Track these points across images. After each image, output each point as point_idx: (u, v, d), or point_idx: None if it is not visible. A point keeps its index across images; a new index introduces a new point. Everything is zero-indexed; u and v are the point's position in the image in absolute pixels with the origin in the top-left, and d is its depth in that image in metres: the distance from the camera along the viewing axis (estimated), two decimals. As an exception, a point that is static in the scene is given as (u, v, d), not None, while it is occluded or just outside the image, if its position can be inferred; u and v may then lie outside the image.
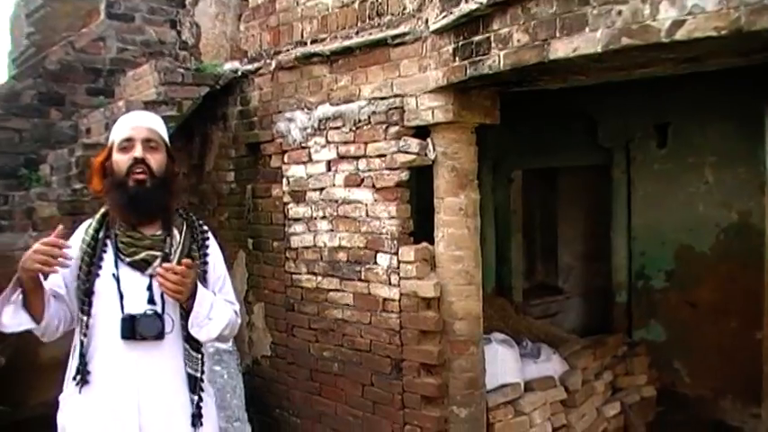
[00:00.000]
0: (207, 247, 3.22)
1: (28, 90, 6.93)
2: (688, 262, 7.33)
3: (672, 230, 7.44)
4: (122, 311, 2.93)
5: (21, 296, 2.85)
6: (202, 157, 7.32)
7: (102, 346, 2.96)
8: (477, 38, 4.40)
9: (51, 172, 6.50)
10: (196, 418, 3.08)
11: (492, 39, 4.29)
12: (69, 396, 3.02)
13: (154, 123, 3.15)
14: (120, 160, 3.00)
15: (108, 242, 3.02)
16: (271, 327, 6.52)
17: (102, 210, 3.10)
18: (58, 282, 2.96)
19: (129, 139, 3.01)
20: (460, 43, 4.55)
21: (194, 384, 3.09)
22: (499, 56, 4.24)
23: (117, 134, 3.07)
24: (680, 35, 3.43)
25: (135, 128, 3.06)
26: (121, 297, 2.94)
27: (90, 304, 2.95)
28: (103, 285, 2.96)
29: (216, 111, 7.00)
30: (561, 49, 3.89)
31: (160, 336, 2.96)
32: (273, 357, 6.52)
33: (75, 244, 3.01)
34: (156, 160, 3.03)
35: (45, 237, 2.84)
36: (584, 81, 4.92)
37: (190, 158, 7.44)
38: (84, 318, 2.95)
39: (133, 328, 2.91)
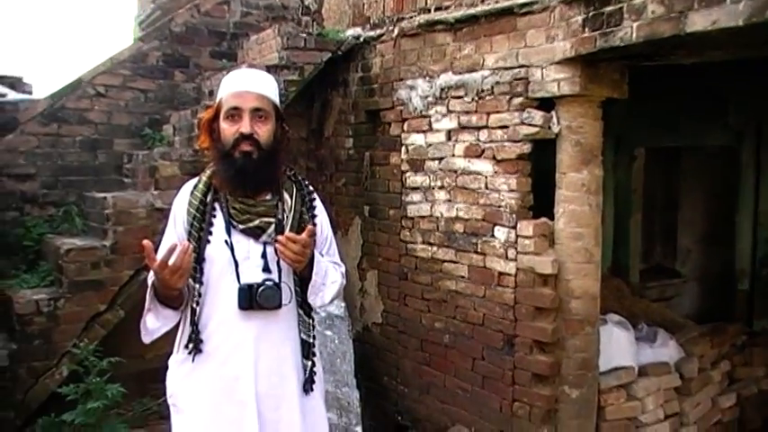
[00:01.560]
0: (314, 208, 3.18)
1: (154, 52, 7.09)
2: (817, 251, 7.03)
3: (801, 218, 7.14)
4: (239, 280, 2.91)
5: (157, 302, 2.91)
6: (321, 123, 7.35)
7: (217, 315, 2.94)
8: (608, 8, 4.27)
9: (174, 132, 6.63)
10: (308, 384, 3.08)
11: (624, 9, 4.16)
12: (180, 363, 3.02)
13: (264, 88, 3.02)
14: (227, 131, 2.93)
15: (217, 206, 2.99)
16: (383, 295, 6.52)
17: (208, 171, 3.07)
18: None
19: (237, 108, 2.93)
20: (591, 13, 4.42)
21: (307, 350, 3.09)
22: (632, 27, 4.10)
23: (226, 96, 2.98)
24: (832, 9, 3.23)
25: (244, 95, 2.95)
26: (236, 265, 2.92)
27: (201, 272, 2.93)
28: (216, 252, 2.93)
29: (337, 77, 7.01)
30: (699, 21, 3.72)
31: (279, 306, 2.94)
32: (384, 325, 6.53)
33: (181, 206, 3.03)
34: (265, 132, 2.95)
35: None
36: (720, 57, 4.72)
37: (309, 123, 7.49)
38: (197, 285, 2.92)
39: (251, 298, 2.89)
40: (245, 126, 2.91)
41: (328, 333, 6.17)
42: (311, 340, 3.11)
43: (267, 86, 3.04)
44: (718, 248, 8.52)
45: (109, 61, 6.86)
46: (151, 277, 2.87)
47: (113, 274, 5.76)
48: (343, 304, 6.51)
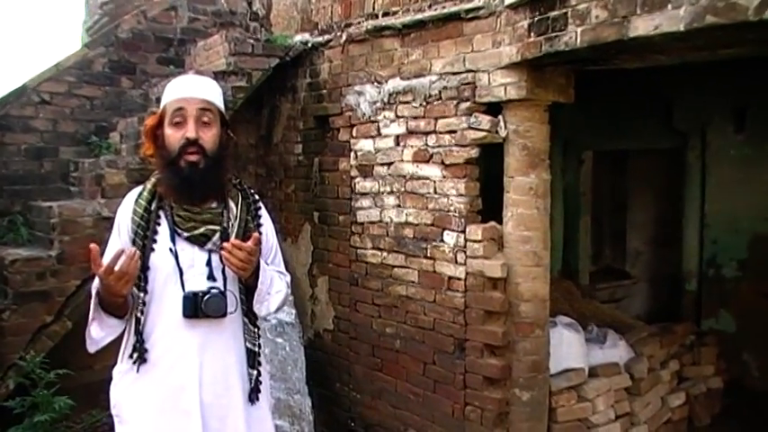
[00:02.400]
0: (260, 216, 3.16)
1: (100, 58, 6.99)
2: (762, 251, 7.15)
3: (747, 219, 7.25)
4: (183, 289, 2.87)
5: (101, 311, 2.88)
6: (270, 129, 7.32)
7: (161, 324, 2.90)
8: (553, 13, 4.30)
9: (121, 140, 6.55)
10: (253, 393, 3.06)
11: (569, 14, 4.18)
12: (125, 373, 2.97)
13: (208, 93, 2.98)
14: (172, 137, 2.88)
15: (161, 214, 2.95)
16: (334, 301, 6.50)
17: (153, 179, 3.02)
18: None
19: (181, 109, 2.88)
20: (536, 18, 4.45)
21: (253, 359, 3.06)
22: (576, 32, 4.13)
23: (169, 102, 2.93)
24: (769, 14, 3.28)
25: (188, 99, 2.91)
26: (181, 273, 2.89)
27: (146, 280, 2.87)
28: (160, 260, 2.89)
29: (285, 82, 6.99)
30: (642, 26, 3.76)
31: (224, 314, 2.90)
32: (336, 331, 6.51)
33: (125, 214, 2.97)
34: (210, 137, 2.91)
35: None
36: (663, 61, 4.79)
37: (258, 130, 7.47)
38: (141, 294, 2.87)
39: (196, 307, 2.85)
40: (190, 131, 2.87)
41: (279, 340, 6.14)
42: (257, 349, 3.08)
43: (211, 92, 3.01)
44: (667, 250, 8.65)
45: (54, 68, 6.75)
46: (95, 286, 2.83)
47: (60, 284, 5.66)
48: (293, 311, 6.49)
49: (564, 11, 4.20)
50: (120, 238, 2.95)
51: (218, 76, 6.18)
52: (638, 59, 4.74)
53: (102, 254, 2.74)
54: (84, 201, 6.01)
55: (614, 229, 9.92)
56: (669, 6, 3.61)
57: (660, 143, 8.10)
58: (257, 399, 3.06)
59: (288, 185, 7.08)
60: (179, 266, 2.89)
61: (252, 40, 6.44)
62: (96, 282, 2.77)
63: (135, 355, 2.90)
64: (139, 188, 3.04)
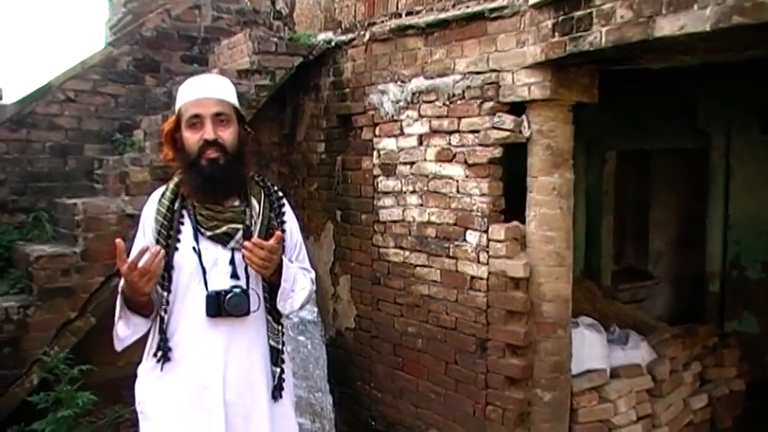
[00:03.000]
0: (283, 214, 3.17)
1: (124, 56, 7.03)
2: (786, 253, 7.11)
3: (770, 220, 7.21)
4: (206, 288, 2.88)
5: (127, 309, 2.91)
6: (294, 127, 7.34)
7: (185, 323, 2.92)
8: (578, 13, 4.28)
9: (145, 137, 6.57)
10: (277, 391, 3.06)
11: (594, 14, 4.17)
12: (149, 371, 2.99)
13: (222, 92, 3.01)
14: (191, 139, 2.91)
15: (185, 213, 2.97)
16: (356, 299, 6.51)
17: (175, 179, 3.05)
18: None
19: (198, 116, 2.91)
20: (560, 18, 4.44)
21: (276, 356, 3.07)
22: (601, 32, 4.12)
23: (185, 105, 2.95)
24: (797, 14, 3.26)
25: (203, 102, 2.93)
26: (204, 272, 2.90)
27: (170, 279, 2.90)
28: (184, 259, 2.91)
29: (308, 81, 7.01)
30: (667, 26, 3.74)
31: (247, 313, 2.91)
32: (357, 330, 6.52)
33: (150, 214, 3.01)
34: (228, 136, 2.94)
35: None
36: (689, 61, 4.75)
37: (281, 128, 7.48)
38: (165, 293, 2.90)
39: (219, 306, 2.86)
40: (208, 132, 2.89)
41: (301, 338, 6.16)
42: (280, 346, 3.09)
43: (225, 91, 3.04)
44: (690, 251, 8.61)
45: (79, 66, 6.79)
46: (122, 284, 2.84)
47: (84, 280, 5.70)
48: (315, 309, 6.50)
49: (588, 11, 4.19)
50: (145, 238, 2.98)
51: (242, 74, 6.22)
52: (662, 59, 4.72)
53: (128, 253, 2.77)
54: (108, 198, 6.05)
55: (637, 229, 9.88)
56: (695, 6, 3.59)
57: (684, 143, 8.06)
58: (281, 396, 3.07)
59: (311, 184, 7.10)
60: (202, 265, 2.90)
61: (275, 39, 6.47)
62: (122, 280, 2.79)
63: (159, 354, 2.92)
64: (162, 188, 3.07)
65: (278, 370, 3.06)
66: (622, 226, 9.78)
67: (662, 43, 3.92)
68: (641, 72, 5.38)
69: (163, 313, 2.91)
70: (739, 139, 7.45)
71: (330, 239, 6.80)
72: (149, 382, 2.99)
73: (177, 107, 2.99)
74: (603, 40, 4.10)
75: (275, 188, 3.23)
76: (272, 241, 2.83)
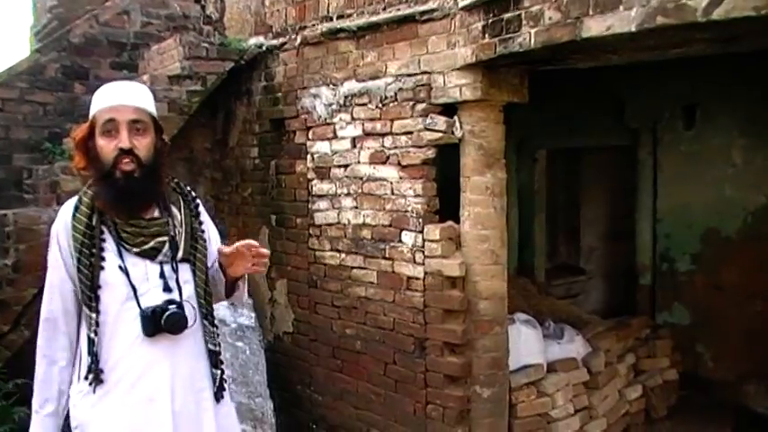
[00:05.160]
0: (200, 214, 3.10)
1: (52, 63, 6.92)
2: (714, 245, 7.27)
3: (698, 213, 7.37)
4: (139, 306, 2.79)
5: None
6: (226, 133, 7.30)
7: (120, 342, 2.81)
8: (507, 15, 4.35)
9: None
10: (219, 392, 3.03)
11: (523, 16, 4.24)
12: (82, 395, 2.84)
13: (139, 99, 2.89)
14: (105, 147, 2.78)
15: (104, 229, 2.83)
16: (293, 303, 6.51)
17: (88, 191, 2.88)
18: (68, 287, 2.84)
19: (112, 120, 2.79)
20: (490, 20, 4.50)
21: (216, 359, 3.04)
22: (530, 33, 4.19)
23: (100, 111, 2.82)
24: (717, 15, 3.36)
25: (119, 109, 2.79)
26: (135, 290, 2.81)
27: (97, 299, 2.78)
28: (111, 277, 2.79)
29: (240, 86, 6.98)
30: (594, 27, 3.83)
31: (185, 328, 2.86)
32: (296, 334, 6.52)
33: (64, 231, 2.84)
34: (144, 146, 2.82)
35: None
36: (616, 60, 4.86)
37: (214, 133, 7.44)
38: (94, 315, 2.78)
39: (155, 325, 2.78)
40: (123, 141, 2.78)
41: (239, 344, 6.14)
42: (218, 348, 3.06)
43: (143, 98, 2.92)
44: (621, 245, 8.75)
45: (5, 73, 6.66)
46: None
47: (16, 293, 5.60)
48: (253, 314, 6.48)
49: (517, 12, 4.26)
50: (62, 256, 2.83)
51: (173, 80, 6.17)
52: (590, 59, 4.81)
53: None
54: (39, 208, 5.96)
55: (569, 226, 10.03)
56: (621, 7, 3.69)
57: (612, 140, 8.21)
58: (222, 397, 3.05)
59: (245, 189, 7.07)
60: (132, 284, 2.81)
61: (206, 44, 6.45)
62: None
63: (90, 377, 2.80)
64: (73, 201, 2.91)
65: (218, 372, 3.03)
66: (554, 223, 9.91)
67: (589, 43, 4.01)
68: (570, 72, 5.47)
69: (92, 335, 2.78)
70: (666, 136, 7.61)
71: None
72: (88, 404, 2.84)
73: (92, 113, 2.85)
74: (533, 41, 4.17)
75: (189, 189, 3.15)
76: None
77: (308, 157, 6.15)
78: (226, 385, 3.10)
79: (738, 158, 7.06)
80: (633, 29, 3.64)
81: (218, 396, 3.03)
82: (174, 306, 2.82)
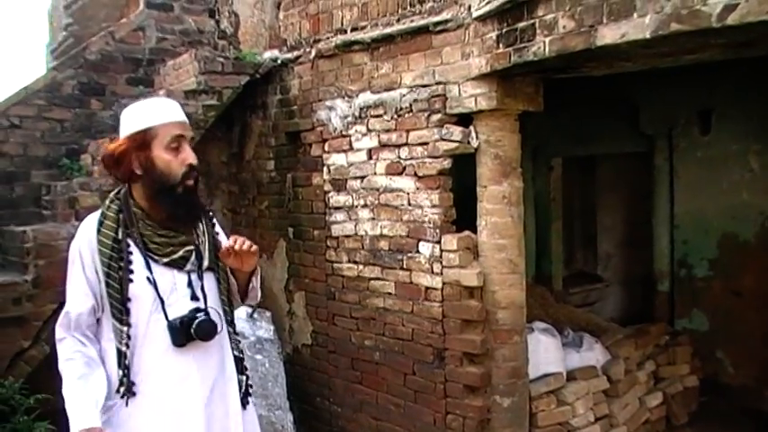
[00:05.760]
0: (215, 225, 3.17)
1: (69, 80, 6.97)
2: (732, 250, 7.24)
3: (715, 218, 7.34)
4: (166, 318, 2.84)
5: None
6: (242, 146, 7.33)
7: (150, 354, 2.84)
8: (521, 24, 4.36)
9: (93, 162, 6.52)
10: (245, 398, 3.08)
11: (537, 25, 4.25)
12: (118, 407, 2.85)
13: (184, 116, 3.02)
14: (173, 162, 2.85)
15: (130, 242, 2.87)
16: (311, 315, 6.52)
17: (114, 206, 2.92)
18: (89, 302, 2.85)
19: (181, 137, 2.89)
20: (504, 30, 4.51)
21: (240, 365, 3.10)
22: (544, 42, 4.20)
23: (162, 125, 2.88)
24: (731, 20, 3.36)
25: (183, 125, 2.93)
26: (162, 302, 2.85)
27: (128, 312, 2.82)
28: (140, 290, 2.84)
29: (255, 99, 7.01)
30: (609, 35, 3.84)
31: (215, 334, 2.92)
32: (314, 346, 6.52)
33: (88, 247, 2.86)
34: (197, 161, 2.95)
35: None
36: (630, 67, 4.87)
37: (230, 147, 7.47)
38: (125, 328, 2.81)
39: (186, 334, 2.84)
40: (192, 158, 2.89)
41: (258, 357, 6.15)
42: (242, 355, 3.13)
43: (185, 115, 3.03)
44: (638, 252, 8.73)
45: (23, 91, 6.72)
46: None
47: (36, 308, 5.63)
48: (272, 327, 6.50)
49: (531, 21, 4.27)
50: (86, 273, 2.85)
51: (189, 95, 6.21)
52: (605, 67, 4.81)
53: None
54: (57, 224, 5.99)
55: (585, 234, 10.01)
56: (635, 15, 3.69)
57: (628, 147, 8.19)
58: (248, 403, 3.10)
59: (261, 202, 7.09)
60: (159, 295, 2.85)
61: (221, 59, 6.47)
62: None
63: (122, 390, 2.82)
64: (94, 217, 2.94)
65: (243, 378, 3.09)
66: (571, 231, 9.90)
67: (604, 51, 4.01)
68: (584, 79, 5.47)
69: (124, 348, 2.81)
70: (682, 142, 7.59)
71: (283, 257, 6.79)
72: (122, 419, 2.85)
73: (147, 125, 2.87)
74: (547, 49, 4.18)
75: (201, 199, 3.22)
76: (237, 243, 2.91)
77: (325, 169, 6.17)
78: (251, 391, 3.15)
79: (755, 163, 7.03)
80: (647, 36, 3.65)
81: (244, 402, 3.08)
82: (201, 314, 2.87)
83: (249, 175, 7.26)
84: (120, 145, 2.90)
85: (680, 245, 7.73)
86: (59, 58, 7.59)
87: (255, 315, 6.41)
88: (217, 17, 7.79)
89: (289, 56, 6.56)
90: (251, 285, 3.15)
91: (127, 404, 2.83)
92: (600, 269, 9.81)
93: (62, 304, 5.51)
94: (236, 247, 2.87)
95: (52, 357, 5.42)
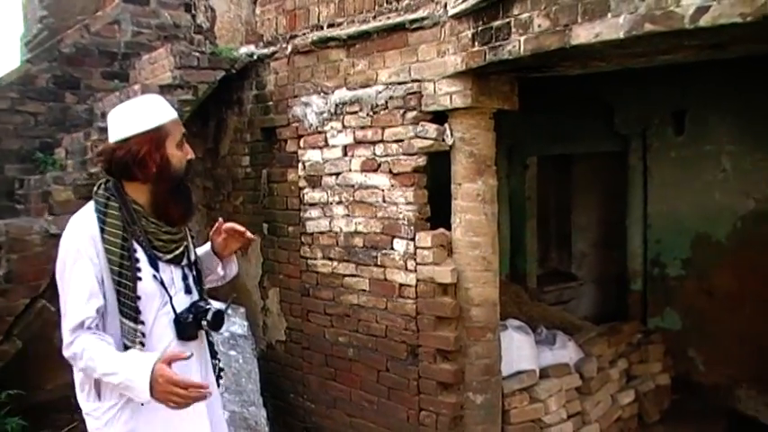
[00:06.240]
0: None
1: (43, 74, 6.92)
2: (705, 250, 7.30)
3: (688, 218, 7.40)
4: (175, 312, 2.89)
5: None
6: (217, 142, 7.30)
7: (158, 350, 2.80)
8: (496, 23, 4.37)
9: (67, 156, 6.49)
10: (218, 381, 3.20)
11: (512, 24, 4.26)
12: (119, 407, 2.82)
13: None
14: (179, 157, 2.91)
15: (133, 240, 2.84)
16: (286, 312, 6.51)
17: (113, 203, 2.85)
18: (98, 303, 2.76)
19: (185, 134, 2.96)
20: (480, 28, 4.52)
21: (213, 350, 3.20)
22: (519, 41, 4.21)
23: (170, 123, 2.90)
24: (704, 21, 3.39)
25: (180, 123, 2.98)
26: (171, 298, 2.89)
27: (139, 311, 2.81)
28: (148, 288, 2.84)
29: (231, 95, 6.99)
30: (583, 34, 3.85)
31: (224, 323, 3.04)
32: (288, 342, 6.52)
33: (91, 246, 2.78)
34: None
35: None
36: (605, 67, 4.89)
37: (205, 143, 7.44)
38: (140, 327, 2.80)
39: (197, 326, 2.93)
40: (192, 153, 2.98)
41: (232, 353, 6.14)
42: (214, 339, 3.23)
43: None
44: (612, 251, 8.80)
45: (-4, 84, 6.69)
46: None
47: (8, 303, 5.57)
48: (246, 323, 6.48)
49: (507, 20, 4.28)
50: (95, 272, 2.78)
51: (164, 89, 6.16)
52: (579, 66, 4.84)
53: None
54: (31, 218, 5.95)
55: (560, 233, 10.07)
56: (609, 15, 3.71)
57: (602, 146, 8.24)
58: (219, 386, 3.23)
59: (236, 198, 7.07)
60: (168, 292, 2.89)
61: (197, 53, 6.43)
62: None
63: None
64: (90, 215, 2.87)
65: (217, 362, 3.20)
66: (546, 230, 9.96)
67: (578, 51, 4.03)
68: (560, 79, 5.50)
69: (139, 347, 2.79)
70: (656, 142, 7.64)
71: (258, 253, 6.78)
72: (125, 419, 2.84)
73: (157, 123, 2.86)
74: (522, 48, 4.19)
75: None
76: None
77: (300, 165, 6.16)
78: (223, 374, 3.27)
79: (728, 164, 7.09)
80: (621, 36, 3.67)
81: (218, 384, 3.22)
82: (209, 307, 2.96)
83: (224, 171, 7.23)
84: (140, 146, 2.83)
85: (653, 244, 7.78)
86: (34, 50, 7.52)
87: (229, 311, 6.37)
88: (193, 12, 7.76)
89: (265, 51, 6.54)
90: (229, 261, 3.31)
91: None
92: (574, 268, 9.88)
93: (34, 299, 5.52)
94: (238, 228, 3.11)
95: (24, 353, 5.43)
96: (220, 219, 3.24)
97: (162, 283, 2.87)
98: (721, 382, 7.08)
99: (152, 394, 2.59)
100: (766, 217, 6.78)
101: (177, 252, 2.95)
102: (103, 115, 6.65)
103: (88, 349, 2.69)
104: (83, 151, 6.20)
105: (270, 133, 6.54)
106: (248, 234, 3.20)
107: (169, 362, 2.62)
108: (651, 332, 7.36)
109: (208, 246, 3.27)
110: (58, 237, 5.03)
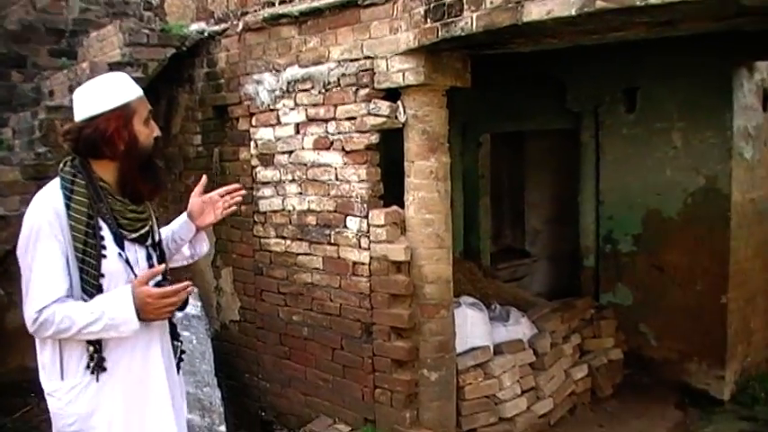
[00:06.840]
0: None
1: (-13, 51, 6.79)
2: (655, 226, 7.36)
3: (640, 195, 7.45)
4: None
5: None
6: (168, 120, 7.21)
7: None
8: (448, -1, 4.36)
9: (14, 135, 6.38)
10: (179, 363, 3.14)
11: (464, 0, 4.25)
12: (84, 387, 2.79)
13: None
14: (146, 134, 2.88)
15: (98, 218, 2.78)
16: (239, 291, 6.48)
17: (80, 179, 2.80)
18: (67, 283, 2.72)
19: (150, 109, 2.92)
20: (432, 5, 4.51)
21: (175, 331, 3.13)
22: (471, 18, 4.21)
23: (138, 100, 2.87)
24: (655, -1, 3.41)
25: (145, 99, 2.93)
26: (135, 277, 2.81)
27: (100, 289, 2.75)
28: (112, 266, 2.79)
29: (182, 73, 6.90)
30: (535, 11, 3.86)
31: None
32: (242, 322, 6.49)
33: (55, 224, 2.72)
34: None
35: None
36: (557, 44, 4.91)
37: (156, 121, 7.31)
38: None
39: None
40: (157, 130, 2.95)
41: (186, 333, 6.08)
42: (176, 320, 3.18)
43: None
44: (565, 228, 8.83)
45: (-62, 63, 6.55)
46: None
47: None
48: (199, 304, 6.43)
49: (459, -4, 4.28)
50: (60, 248, 2.73)
51: (114, 67, 6.06)
52: (532, 43, 4.85)
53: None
54: (-24, 199, 5.84)
55: (513, 210, 10.11)
56: (560, -8, 3.72)
57: (555, 124, 8.26)
58: (180, 368, 3.16)
59: (188, 177, 7.00)
60: (133, 271, 2.84)
61: (147, 30, 6.35)
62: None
63: (92, 365, 2.77)
64: (56, 191, 2.80)
65: (178, 344, 3.14)
66: (499, 207, 9.99)
67: (530, 28, 4.04)
68: (513, 56, 5.50)
69: None
70: (607, 119, 7.67)
71: (210, 232, 6.71)
72: (88, 397, 2.80)
73: (124, 101, 2.82)
74: (474, 25, 4.19)
75: None
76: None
77: (252, 143, 6.11)
78: (184, 357, 3.22)
79: (678, 141, 7.14)
80: (573, 13, 3.69)
81: (179, 366, 3.14)
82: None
83: (176, 150, 7.15)
84: (107, 124, 2.79)
85: (605, 221, 7.83)
86: (-23, 28, 7.39)
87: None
88: (143, -12, 7.66)
89: (216, 28, 6.46)
90: (184, 251, 3.37)
91: (98, 380, 2.78)
92: (527, 245, 9.93)
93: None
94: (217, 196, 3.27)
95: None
96: (204, 176, 3.36)
97: (127, 261, 2.83)
98: (672, 357, 7.17)
99: (141, 317, 2.69)
100: (715, 194, 6.85)
101: (143, 231, 2.92)
102: (51, 93, 6.54)
103: (59, 311, 2.66)
104: (30, 131, 6.08)
105: (222, 111, 6.48)
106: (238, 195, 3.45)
107: (146, 282, 2.71)
108: (603, 308, 7.42)
109: (184, 215, 3.32)
110: (5, 218, 4.95)
